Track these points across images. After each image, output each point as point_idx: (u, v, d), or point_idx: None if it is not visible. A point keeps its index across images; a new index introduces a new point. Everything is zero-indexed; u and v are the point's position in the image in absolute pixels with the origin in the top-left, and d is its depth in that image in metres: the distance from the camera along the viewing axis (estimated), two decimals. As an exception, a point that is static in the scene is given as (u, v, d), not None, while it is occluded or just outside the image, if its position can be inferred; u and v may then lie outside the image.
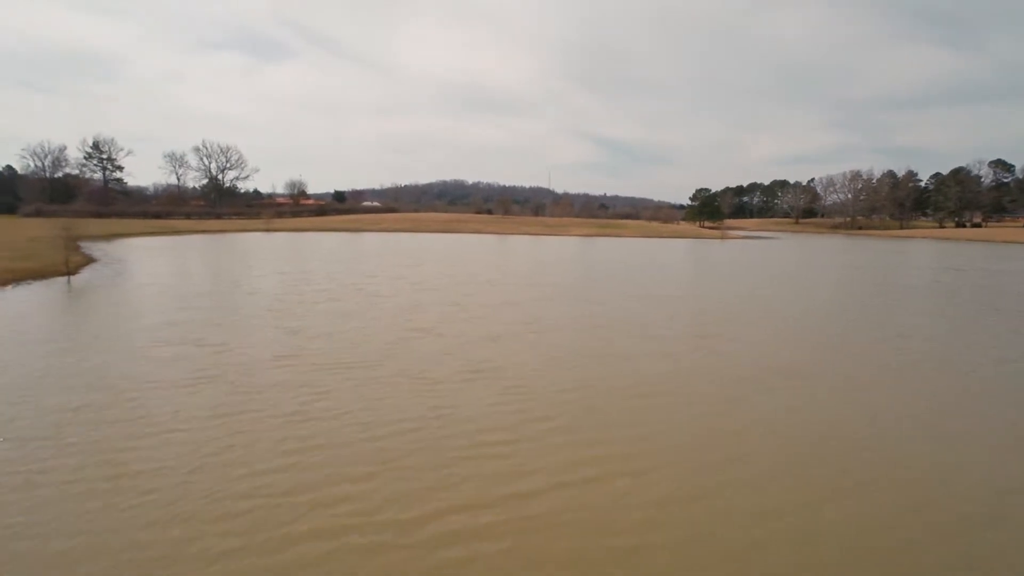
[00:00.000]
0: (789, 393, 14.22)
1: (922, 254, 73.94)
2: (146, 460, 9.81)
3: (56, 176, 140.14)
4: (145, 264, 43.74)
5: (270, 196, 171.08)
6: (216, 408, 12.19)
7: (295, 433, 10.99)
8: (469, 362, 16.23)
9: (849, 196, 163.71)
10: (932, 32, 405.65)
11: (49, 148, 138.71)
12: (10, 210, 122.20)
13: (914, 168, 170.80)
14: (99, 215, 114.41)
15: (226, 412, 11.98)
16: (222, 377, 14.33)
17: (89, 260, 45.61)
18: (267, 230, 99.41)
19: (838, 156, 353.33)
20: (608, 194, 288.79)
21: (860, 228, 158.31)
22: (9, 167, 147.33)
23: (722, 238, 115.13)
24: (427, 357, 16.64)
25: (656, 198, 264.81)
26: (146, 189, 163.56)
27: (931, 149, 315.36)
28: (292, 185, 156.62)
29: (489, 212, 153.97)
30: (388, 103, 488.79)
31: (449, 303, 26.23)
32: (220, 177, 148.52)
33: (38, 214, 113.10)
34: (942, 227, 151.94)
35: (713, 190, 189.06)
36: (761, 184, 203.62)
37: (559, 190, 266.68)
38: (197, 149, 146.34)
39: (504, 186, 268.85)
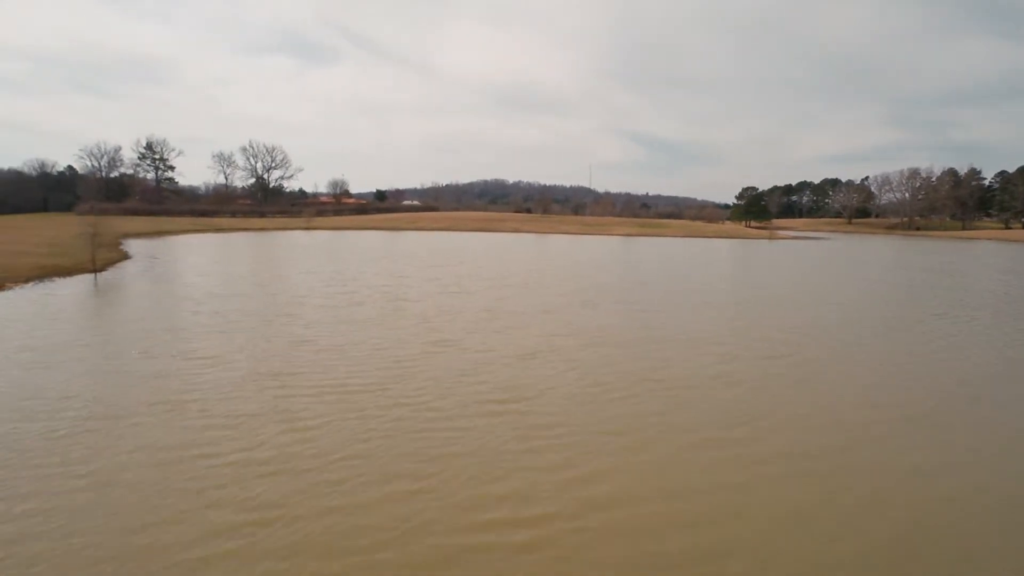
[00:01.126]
0: (921, 450, 10.79)
1: (1004, 257, 67.25)
2: (56, 530, 7.21)
3: (112, 176, 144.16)
4: (177, 261, 42.50)
5: (314, 196, 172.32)
6: (169, 450, 9.56)
7: (254, 494, 8.22)
8: (495, 388, 13.28)
9: (907, 195, 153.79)
10: (991, 24, 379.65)
11: (105, 148, 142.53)
12: (69, 208, 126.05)
13: (976, 166, 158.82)
14: (150, 213, 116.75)
15: (178, 456, 9.33)
16: (196, 403, 11.78)
17: (124, 257, 44.76)
18: (307, 228, 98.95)
19: (892, 154, 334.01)
20: (650, 193, 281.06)
21: (918, 229, 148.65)
22: (70, 167, 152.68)
23: (770, 238, 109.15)
24: (446, 380, 13.78)
25: (700, 197, 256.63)
26: (198, 188, 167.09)
27: (993, 146, 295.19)
28: (334, 184, 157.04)
29: (528, 211, 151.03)
30: (431, 104, 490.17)
31: (480, 309, 23.37)
32: (266, 176, 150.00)
33: (92, 212, 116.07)
34: (1008, 228, 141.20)
35: (760, 189, 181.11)
36: (811, 183, 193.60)
37: (600, 189, 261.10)
38: (244, 149, 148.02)
39: (544, 185, 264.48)
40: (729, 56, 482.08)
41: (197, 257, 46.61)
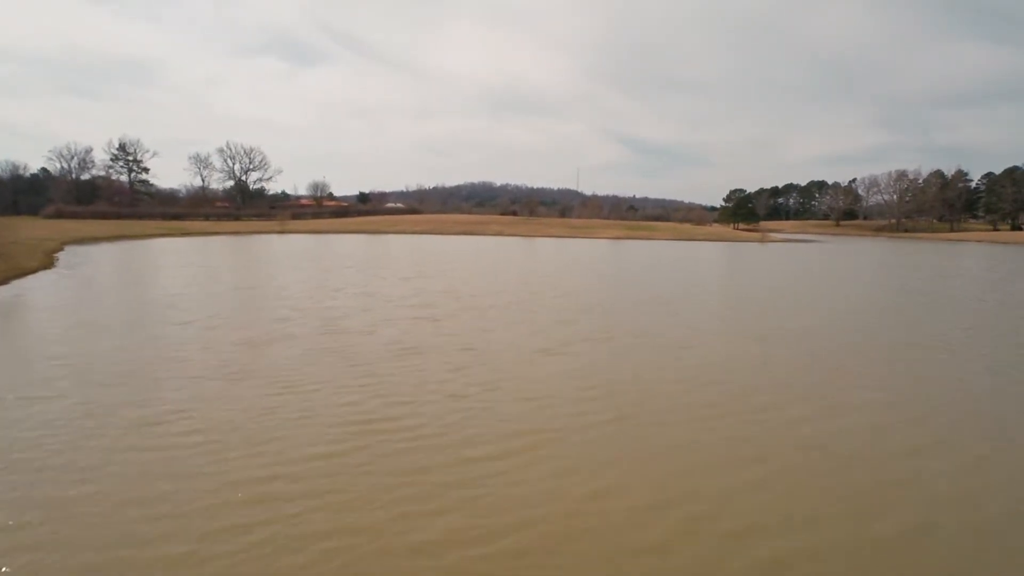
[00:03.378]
0: None
1: (1014, 259, 61.76)
2: None
3: (83, 178, 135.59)
4: (101, 272, 35.31)
5: (297, 198, 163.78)
6: None
7: None
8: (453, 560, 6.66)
9: (894, 197, 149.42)
10: (978, 27, 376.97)
11: (75, 150, 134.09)
12: (39, 211, 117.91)
13: (962, 168, 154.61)
14: (118, 216, 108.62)
15: None
16: None
17: (47, 265, 37.53)
18: (281, 232, 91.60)
19: (878, 156, 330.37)
20: (637, 196, 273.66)
21: (906, 231, 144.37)
22: (44, 169, 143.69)
23: (762, 241, 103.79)
24: (362, 522, 7.11)
25: (687, 200, 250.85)
26: (179, 191, 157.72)
27: (978, 149, 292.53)
28: (315, 186, 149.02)
29: (514, 214, 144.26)
30: (422, 106, 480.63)
31: (451, 348, 16.61)
32: (244, 178, 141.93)
33: (57, 215, 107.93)
34: (996, 230, 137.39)
35: (747, 191, 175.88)
36: (797, 185, 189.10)
37: (587, 191, 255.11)
38: (221, 150, 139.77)
39: (532, 188, 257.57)
40: (720, 59, 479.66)
41: (131, 266, 39.45)
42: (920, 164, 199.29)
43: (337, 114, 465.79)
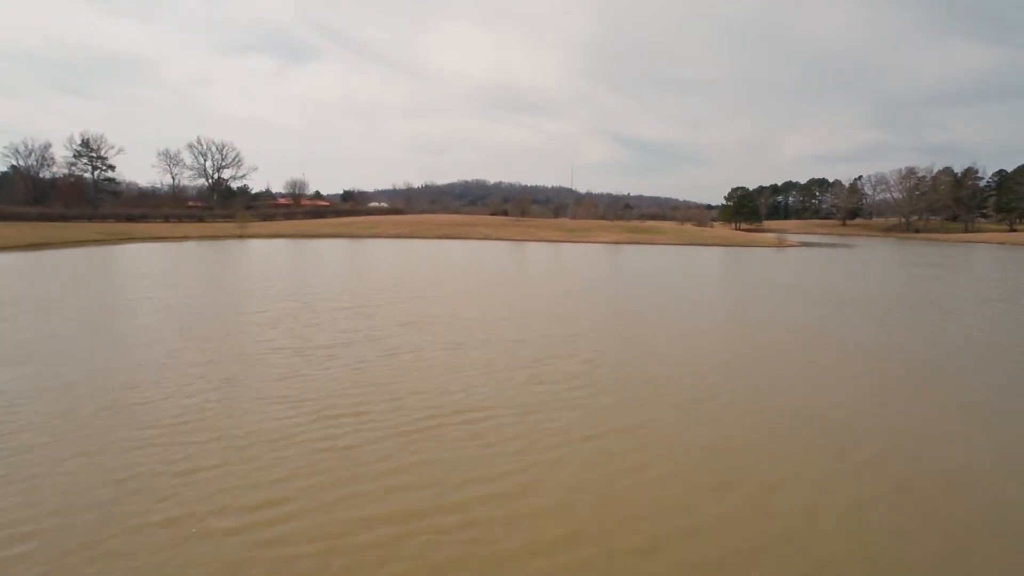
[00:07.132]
0: None
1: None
2: None
3: (42, 176, 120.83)
4: None
5: (281, 196, 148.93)
6: None
7: None
8: None
9: (903, 195, 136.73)
10: (972, 27, 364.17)
11: (32, 146, 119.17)
12: None
13: (955, 167, 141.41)
14: (64, 218, 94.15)
15: None
16: None
17: None
18: (240, 236, 77.52)
19: (872, 155, 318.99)
20: (632, 194, 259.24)
21: (917, 231, 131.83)
22: (14, 167, 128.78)
23: (779, 245, 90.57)
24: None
25: (682, 198, 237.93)
26: (161, 189, 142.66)
27: (968, 147, 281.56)
28: (292, 184, 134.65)
29: (505, 213, 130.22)
30: (416, 104, 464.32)
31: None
32: (217, 175, 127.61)
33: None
34: (1013, 230, 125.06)
35: (748, 189, 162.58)
36: (797, 183, 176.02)
37: (582, 190, 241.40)
38: (191, 146, 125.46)
39: (526, 186, 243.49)
40: (715, 57, 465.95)
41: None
42: (915, 162, 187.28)
43: (330, 112, 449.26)
